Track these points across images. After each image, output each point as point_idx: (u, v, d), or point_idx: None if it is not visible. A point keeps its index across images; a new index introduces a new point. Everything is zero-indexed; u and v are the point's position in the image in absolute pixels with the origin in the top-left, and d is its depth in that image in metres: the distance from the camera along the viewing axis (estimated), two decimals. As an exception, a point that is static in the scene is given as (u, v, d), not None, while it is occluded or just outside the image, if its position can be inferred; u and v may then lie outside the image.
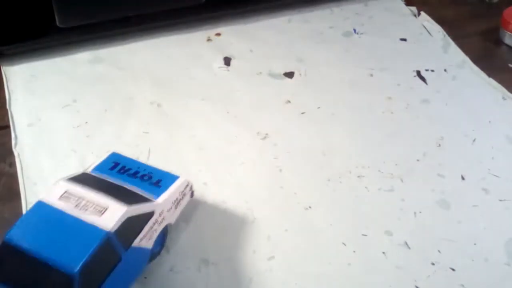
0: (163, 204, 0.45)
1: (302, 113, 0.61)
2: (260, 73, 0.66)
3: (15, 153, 0.57)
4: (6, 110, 0.62)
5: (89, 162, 0.55)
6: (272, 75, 0.66)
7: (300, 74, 0.67)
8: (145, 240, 0.44)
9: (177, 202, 0.47)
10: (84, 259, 0.38)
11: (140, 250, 0.44)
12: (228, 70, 0.67)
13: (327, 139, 0.58)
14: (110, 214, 0.41)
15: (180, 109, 0.62)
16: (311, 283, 0.47)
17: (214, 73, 0.67)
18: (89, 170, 0.47)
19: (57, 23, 0.66)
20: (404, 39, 0.72)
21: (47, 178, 0.54)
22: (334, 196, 0.53)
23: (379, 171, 0.55)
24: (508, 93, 0.64)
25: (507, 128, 0.60)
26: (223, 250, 0.49)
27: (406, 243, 0.49)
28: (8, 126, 0.60)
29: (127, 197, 0.43)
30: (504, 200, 0.53)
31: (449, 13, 0.76)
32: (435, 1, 0.78)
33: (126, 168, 0.47)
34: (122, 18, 0.69)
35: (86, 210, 0.41)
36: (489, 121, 0.61)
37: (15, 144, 0.58)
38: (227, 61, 0.68)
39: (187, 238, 0.50)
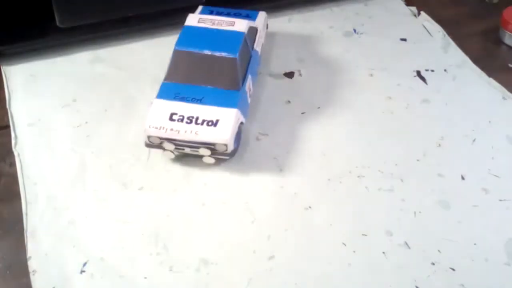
0: (260, 23, 0.65)
1: (302, 113, 0.61)
2: (260, 73, 0.66)
3: (15, 153, 0.57)
4: (6, 110, 0.62)
5: (89, 162, 0.56)
6: (272, 75, 0.66)
7: (300, 74, 0.67)
8: (257, 46, 0.63)
9: (264, 28, 0.68)
10: (239, 48, 0.57)
11: (255, 53, 0.62)
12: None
13: (327, 139, 0.58)
14: (238, 25, 0.60)
15: (180, 109, 0.62)
16: (311, 283, 0.47)
17: (214, 73, 0.67)
18: (194, 14, 0.65)
19: (57, 23, 0.66)
20: (404, 39, 0.72)
21: (47, 178, 0.54)
22: (334, 196, 0.53)
23: (379, 171, 0.55)
24: (508, 93, 0.64)
25: (507, 128, 0.60)
26: (223, 250, 0.49)
27: (406, 243, 0.49)
28: (8, 126, 0.60)
29: (238, 17, 0.64)
30: (504, 200, 0.53)
31: (449, 13, 0.76)
32: (435, 1, 0.78)
33: (220, 12, 0.66)
34: (122, 18, 0.69)
35: (221, 25, 0.60)
36: (489, 121, 0.60)
37: (15, 144, 0.58)
38: (227, 61, 0.68)
39: (187, 238, 0.50)
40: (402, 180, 0.54)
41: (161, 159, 0.56)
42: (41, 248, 0.49)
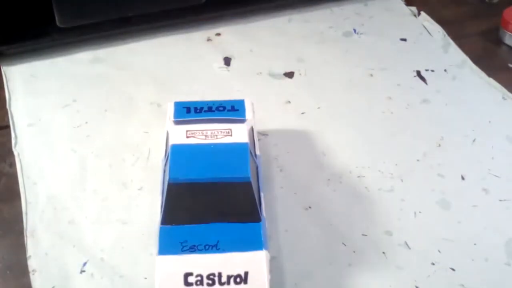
0: (251, 117, 0.51)
1: (302, 113, 0.61)
2: (260, 73, 0.66)
3: (15, 153, 0.57)
4: (6, 110, 0.62)
5: (90, 162, 0.56)
6: (272, 75, 0.66)
7: (300, 74, 0.67)
8: (257, 149, 0.51)
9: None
10: (248, 167, 0.44)
11: (259, 157, 0.50)
12: (228, 70, 0.67)
13: (327, 139, 0.58)
14: (237, 133, 0.47)
15: (180, 109, 0.62)
16: (311, 283, 0.47)
17: (214, 73, 0.67)
18: (172, 119, 0.50)
19: (57, 23, 0.66)
20: (404, 39, 0.72)
21: (47, 178, 0.54)
22: (334, 196, 0.53)
23: (379, 171, 0.55)
24: (508, 93, 0.64)
25: (507, 128, 0.60)
26: (223, 250, 0.49)
27: (406, 243, 0.49)
28: (8, 126, 0.60)
29: (230, 121, 0.49)
30: (504, 200, 0.53)
31: (449, 13, 0.76)
32: (435, 1, 0.78)
33: (199, 107, 0.52)
34: (122, 18, 0.69)
35: (217, 136, 0.47)
36: (489, 121, 0.61)
37: (15, 144, 0.58)
38: (227, 61, 0.68)
39: (187, 238, 0.50)
40: (402, 180, 0.54)
41: (161, 159, 0.56)
42: (41, 248, 0.49)
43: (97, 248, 0.49)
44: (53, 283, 0.46)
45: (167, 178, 0.44)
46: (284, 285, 0.46)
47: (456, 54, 0.69)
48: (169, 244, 0.42)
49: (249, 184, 0.44)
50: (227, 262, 0.41)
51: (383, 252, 0.49)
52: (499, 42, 0.72)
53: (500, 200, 0.53)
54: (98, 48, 0.70)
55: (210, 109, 0.51)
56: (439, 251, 0.48)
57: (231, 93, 0.64)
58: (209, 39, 0.72)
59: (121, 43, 0.71)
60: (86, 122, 0.60)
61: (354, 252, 0.49)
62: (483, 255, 0.48)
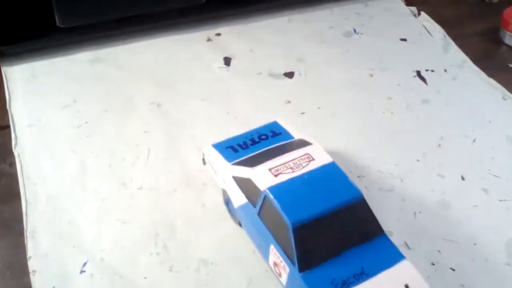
0: (296, 132, 0.51)
1: (302, 113, 0.61)
2: (260, 73, 0.66)
3: (15, 153, 0.57)
4: (6, 110, 0.62)
5: (89, 162, 0.56)
6: (272, 75, 0.66)
7: (300, 74, 0.67)
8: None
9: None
10: (353, 184, 0.44)
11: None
12: (228, 70, 0.67)
13: (327, 139, 0.58)
14: (317, 155, 0.46)
15: (180, 109, 0.62)
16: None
17: (214, 73, 0.67)
18: (228, 163, 0.48)
19: (57, 23, 0.66)
20: (404, 39, 0.72)
21: (47, 178, 0.54)
22: (334, 196, 0.53)
23: (379, 171, 0.55)
24: (508, 93, 0.64)
25: (507, 128, 0.60)
26: (223, 250, 0.49)
27: (406, 243, 0.49)
28: (8, 126, 0.60)
29: (294, 146, 0.48)
30: (504, 200, 0.53)
31: (449, 13, 0.76)
32: (435, 1, 0.78)
33: (242, 143, 0.50)
34: (122, 18, 0.69)
35: (302, 165, 0.45)
36: (489, 121, 0.60)
37: (15, 144, 0.58)
38: (227, 61, 0.68)
39: (187, 238, 0.50)
40: (402, 180, 0.54)
41: (161, 159, 0.56)
42: (41, 248, 0.49)
43: (97, 248, 0.49)
44: (53, 283, 0.46)
45: (281, 223, 0.41)
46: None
47: (456, 54, 0.69)
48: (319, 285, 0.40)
49: (364, 201, 0.43)
50: (383, 284, 0.40)
51: (383, 252, 0.48)
52: (499, 42, 0.72)
53: (500, 200, 0.53)
54: (98, 48, 0.70)
55: (254, 142, 0.50)
56: (439, 251, 0.48)
57: (231, 93, 0.64)
58: (209, 39, 0.72)
59: (121, 43, 0.71)
60: (86, 122, 0.60)
61: (354, 252, 0.49)
62: (483, 255, 0.48)
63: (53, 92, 0.64)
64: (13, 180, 0.54)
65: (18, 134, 0.59)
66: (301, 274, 0.40)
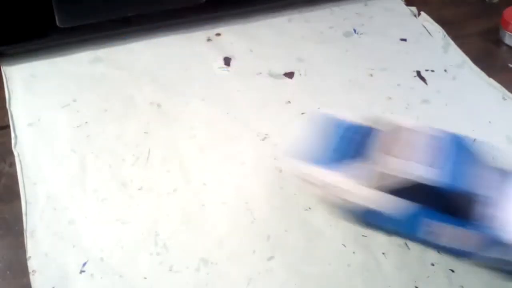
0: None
1: (302, 113, 0.61)
2: (260, 73, 0.66)
3: (15, 153, 0.57)
4: (6, 110, 0.62)
5: (89, 162, 0.56)
6: (272, 75, 0.66)
7: (300, 74, 0.67)
8: None
9: None
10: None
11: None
12: (228, 70, 0.67)
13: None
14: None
15: (180, 109, 0.62)
16: (311, 283, 0.47)
17: (214, 73, 0.67)
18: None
19: (57, 23, 0.66)
20: (404, 39, 0.72)
21: (47, 178, 0.54)
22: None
23: (379, 171, 0.55)
24: (508, 93, 0.64)
25: (507, 128, 0.60)
26: (223, 250, 0.49)
27: (406, 243, 0.49)
28: (8, 126, 0.60)
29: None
30: (504, 200, 0.52)
31: (449, 13, 0.76)
32: (435, 1, 0.78)
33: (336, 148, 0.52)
34: (122, 18, 0.69)
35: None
36: (489, 121, 0.60)
37: (15, 144, 0.58)
38: (227, 61, 0.68)
39: (187, 238, 0.50)
40: (402, 180, 0.54)
41: (161, 159, 0.56)
42: (41, 248, 0.49)
43: (97, 248, 0.49)
44: (53, 283, 0.46)
45: None
46: (284, 285, 0.46)
47: (456, 54, 0.69)
48: None
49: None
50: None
51: (383, 253, 0.49)
52: (499, 42, 0.72)
53: (500, 200, 0.52)
54: (98, 48, 0.70)
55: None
56: (438, 252, 0.48)
57: (231, 93, 0.64)
58: (209, 39, 0.72)
59: (121, 43, 0.70)
60: (86, 122, 0.60)
61: (353, 253, 0.49)
62: (483, 255, 0.48)
63: (53, 91, 0.64)
64: (13, 180, 0.54)
65: (18, 134, 0.59)
66: None
